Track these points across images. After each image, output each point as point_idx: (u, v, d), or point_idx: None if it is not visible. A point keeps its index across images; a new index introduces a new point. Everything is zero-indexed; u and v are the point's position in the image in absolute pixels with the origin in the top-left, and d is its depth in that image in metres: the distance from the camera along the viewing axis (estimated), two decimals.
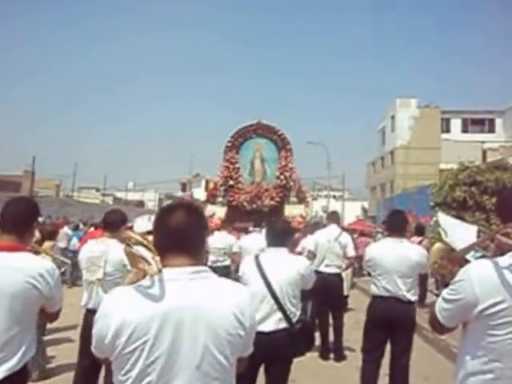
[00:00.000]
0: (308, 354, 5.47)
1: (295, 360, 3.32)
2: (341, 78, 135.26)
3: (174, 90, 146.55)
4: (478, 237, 2.12)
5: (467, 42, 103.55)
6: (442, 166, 31.15)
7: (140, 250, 1.52)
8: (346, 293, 7.57)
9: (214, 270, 6.46)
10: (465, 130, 34.31)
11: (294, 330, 3.18)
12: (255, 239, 6.98)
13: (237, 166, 13.64)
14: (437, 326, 1.78)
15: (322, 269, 5.95)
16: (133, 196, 48.05)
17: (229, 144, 13.72)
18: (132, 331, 1.32)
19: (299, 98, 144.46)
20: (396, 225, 4.20)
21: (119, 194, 47.01)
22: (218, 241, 7.74)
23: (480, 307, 1.56)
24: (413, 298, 4.00)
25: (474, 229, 2.16)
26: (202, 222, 1.60)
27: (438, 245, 1.79)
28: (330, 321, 6.11)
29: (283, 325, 3.17)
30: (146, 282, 1.44)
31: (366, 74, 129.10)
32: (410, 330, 4.05)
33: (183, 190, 19.99)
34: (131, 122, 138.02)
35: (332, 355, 5.88)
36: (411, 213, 12.77)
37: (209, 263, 7.50)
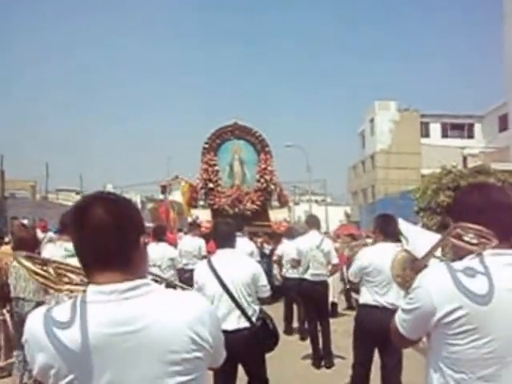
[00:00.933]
0: (301, 362, 5.86)
1: (289, 368, 4.05)
2: (320, 78, 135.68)
3: (148, 91, 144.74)
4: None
5: (446, 46, 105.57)
6: (423, 171, 31.56)
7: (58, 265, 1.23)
8: (332, 299, 7.48)
9: (185, 271, 6.51)
10: (444, 135, 34.75)
11: (255, 328, 3.37)
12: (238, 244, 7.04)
13: (216, 168, 13.52)
14: (399, 339, 1.66)
15: (308, 277, 5.91)
16: None
17: (206, 146, 13.58)
18: (57, 370, 1.08)
19: (276, 100, 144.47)
20: (392, 229, 3.92)
21: None
22: (187, 244, 8.13)
23: (438, 315, 1.44)
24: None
25: (437, 236, 1.90)
26: (133, 221, 1.23)
27: (400, 255, 1.54)
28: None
29: (245, 324, 3.34)
30: (65, 306, 1.15)
31: (346, 76, 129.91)
32: None
33: (163, 192, 19.77)
34: (106, 124, 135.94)
35: (323, 362, 5.84)
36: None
37: (180, 265, 7.56)
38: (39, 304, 3.90)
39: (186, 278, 7.69)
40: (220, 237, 3.65)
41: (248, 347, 3.31)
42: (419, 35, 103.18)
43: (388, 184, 31.36)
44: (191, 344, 1.14)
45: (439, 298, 1.43)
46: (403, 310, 1.59)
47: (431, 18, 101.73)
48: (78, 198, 43.47)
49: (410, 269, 1.73)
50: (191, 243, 8.10)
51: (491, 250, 1.44)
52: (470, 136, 34.18)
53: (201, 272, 3.49)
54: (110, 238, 1.15)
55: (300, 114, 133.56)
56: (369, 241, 6.04)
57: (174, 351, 1.12)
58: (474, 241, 1.43)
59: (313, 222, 6.33)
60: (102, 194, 1.26)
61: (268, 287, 3.62)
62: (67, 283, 1.20)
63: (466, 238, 1.45)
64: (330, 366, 5.74)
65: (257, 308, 3.46)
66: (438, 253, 1.65)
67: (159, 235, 6.33)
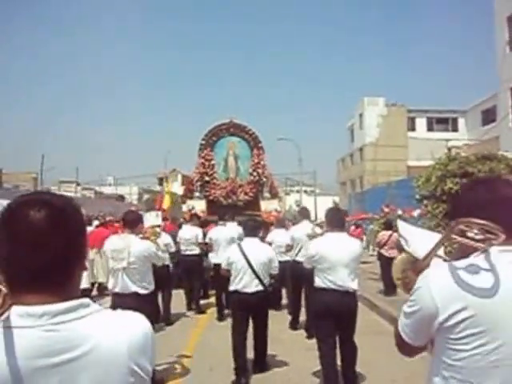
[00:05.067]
0: (281, 327, 6.80)
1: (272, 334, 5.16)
2: (311, 75, 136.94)
3: (149, 90, 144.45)
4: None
5: (433, 46, 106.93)
6: (410, 162, 32.77)
7: None
8: None
9: (185, 257, 7.95)
10: (430, 129, 35.86)
11: (267, 291, 4.97)
12: (222, 231, 8.27)
13: (212, 162, 14.18)
14: (403, 346, 1.51)
15: (299, 258, 6.83)
16: (107, 190, 47.86)
17: (203, 142, 14.29)
18: None
19: (271, 95, 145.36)
20: (337, 221, 4.54)
21: (97, 189, 46.88)
22: (186, 233, 8.80)
23: (440, 318, 1.31)
24: (355, 287, 4.34)
25: (437, 236, 1.76)
26: (69, 229, 1.03)
27: (400, 257, 1.90)
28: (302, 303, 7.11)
29: (260, 288, 4.89)
30: None
31: (335, 72, 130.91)
32: (354, 316, 4.42)
33: (161, 184, 20.39)
34: (108, 118, 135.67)
35: (302, 331, 6.77)
36: (389, 206, 13.31)
37: (181, 252, 8.62)
38: None
39: (186, 264, 8.67)
40: (248, 229, 5.30)
41: (261, 302, 4.94)
42: (407, 35, 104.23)
43: (376, 175, 32.51)
44: (129, 376, 0.99)
45: (442, 299, 1.31)
46: (404, 314, 1.46)
47: (418, 17, 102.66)
48: (79, 189, 43.98)
49: (411, 270, 1.57)
50: (190, 232, 8.72)
51: (498, 247, 1.31)
52: (454, 129, 35.20)
53: (233, 252, 5.07)
54: (44, 252, 0.97)
55: (292, 110, 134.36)
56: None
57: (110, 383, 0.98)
58: (479, 237, 1.31)
59: (305, 214, 7.73)
60: (41, 196, 1.05)
61: (277, 267, 5.15)
62: None
63: (470, 234, 1.34)
64: (311, 337, 6.11)
65: (268, 279, 4.99)
66: (441, 252, 1.51)
67: (129, 224, 4.69)
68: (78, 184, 39.76)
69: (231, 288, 5.02)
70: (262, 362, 5.16)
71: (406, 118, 35.65)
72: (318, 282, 4.42)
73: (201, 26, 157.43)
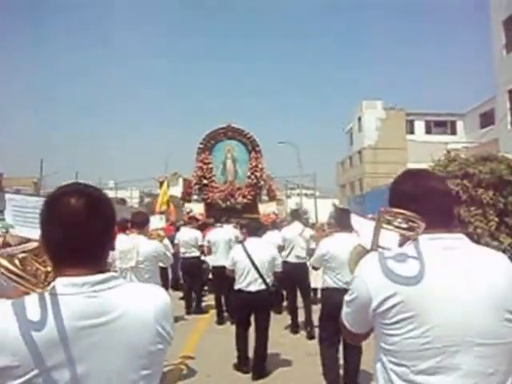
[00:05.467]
0: (282, 331, 6.86)
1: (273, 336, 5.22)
2: (311, 79, 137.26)
3: (150, 96, 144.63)
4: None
5: (431, 50, 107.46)
6: (409, 165, 32.74)
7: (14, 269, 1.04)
8: (314, 285, 7.99)
9: (184, 259, 8.08)
10: (428, 132, 35.88)
11: (270, 290, 5.08)
12: (220, 234, 8.31)
13: (210, 166, 14.24)
14: (347, 334, 1.59)
15: (290, 259, 7.06)
16: (108, 194, 47.42)
17: (201, 146, 14.36)
18: (16, 370, 1.01)
19: (270, 99, 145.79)
20: (346, 221, 4.18)
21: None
22: (185, 235, 8.88)
23: (373, 305, 1.38)
24: None
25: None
26: (104, 214, 1.21)
27: (355, 251, 1.81)
28: (300, 304, 7.15)
29: (263, 287, 5.04)
30: (30, 299, 1.07)
31: (334, 76, 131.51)
32: None
33: (161, 187, 20.37)
34: (109, 121, 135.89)
35: (303, 333, 6.81)
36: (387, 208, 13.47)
37: (180, 255, 8.72)
38: None
39: (186, 266, 8.74)
40: (251, 230, 5.58)
41: (263, 301, 5.07)
42: (405, 39, 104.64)
43: (375, 177, 32.52)
44: (157, 337, 1.16)
45: (373, 287, 1.38)
46: (345, 303, 1.54)
47: (416, 21, 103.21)
48: None
49: None
50: (189, 234, 8.83)
51: (427, 235, 1.39)
52: (453, 132, 35.24)
53: (237, 252, 5.27)
54: (84, 233, 1.14)
55: (293, 114, 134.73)
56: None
57: (142, 343, 1.13)
58: (404, 225, 1.39)
59: (296, 215, 8.02)
60: (76, 187, 1.21)
61: (281, 264, 5.34)
62: (33, 275, 1.09)
63: (395, 223, 1.41)
64: (310, 337, 6.56)
65: (272, 278, 5.16)
66: (393, 244, 1.55)
67: (137, 225, 4.84)
68: None
69: (235, 287, 5.18)
70: (262, 367, 5.17)
71: (404, 121, 35.63)
72: (328, 281, 4.51)
73: (202, 29, 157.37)
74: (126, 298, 1.15)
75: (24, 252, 1.15)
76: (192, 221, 9.68)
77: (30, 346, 1.01)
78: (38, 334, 1.03)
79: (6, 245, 3.22)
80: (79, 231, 1.14)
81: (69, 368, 1.04)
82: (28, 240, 1.29)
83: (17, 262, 1.07)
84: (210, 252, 8.37)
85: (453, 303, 1.32)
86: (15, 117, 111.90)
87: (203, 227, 10.43)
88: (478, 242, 1.45)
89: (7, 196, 3.98)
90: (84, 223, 1.14)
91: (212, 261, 8.18)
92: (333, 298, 4.27)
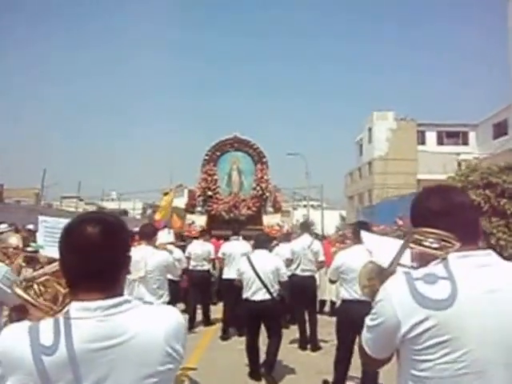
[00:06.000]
0: (289, 346, 6.73)
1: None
2: (321, 91, 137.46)
3: (154, 105, 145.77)
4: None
5: (443, 60, 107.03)
6: (420, 176, 32.29)
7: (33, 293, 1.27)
8: (321, 297, 7.88)
9: (195, 273, 8.36)
10: (440, 143, 35.38)
11: (274, 300, 5.32)
12: (235, 246, 8.08)
13: (215, 177, 14.15)
14: (367, 359, 1.49)
15: (299, 272, 6.92)
16: (111, 205, 47.61)
17: (206, 157, 14.28)
18: (34, 383, 1.10)
19: (279, 109, 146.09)
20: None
21: (100, 204, 46.80)
22: (197, 248, 8.67)
23: (403, 330, 1.29)
24: None
25: (399, 243, 1.76)
26: (119, 241, 1.27)
27: (366, 267, 1.69)
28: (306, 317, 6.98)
29: (267, 297, 5.27)
30: (47, 323, 1.17)
31: (345, 86, 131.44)
32: None
33: None
34: (112, 132, 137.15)
35: (309, 346, 6.74)
36: (403, 218, 12.75)
37: (190, 267, 8.48)
38: None
39: (196, 279, 8.45)
40: (258, 242, 5.81)
41: (269, 311, 5.30)
42: (417, 48, 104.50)
43: (385, 189, 32.07)
44: (166, 357, 1.20)
45: (402, 311, 1.29)
46: (367, 328, 1.44)
47: (428, 30, 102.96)
48: (81, 203, 43.98)
49: (377, 280, 1.54)
50: (201, 247, 8.66)
51: (457, 253, 1.32)
52: (465, 143, 34.77)
53: (243, 264, 5.54)
54: (98, 260, 1.20)
55: (301, 125, 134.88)
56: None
57: (151, 364, 1.18)
58: (435, 245, 1.33)
59: (305, 227, 7.90)
60: (93, 215, 1.30)
61: (286, 274, 5.59)
62: (54, 300, 1.25)
63: (425, 244, 1.35)
64: (315, 349, 6.61)
65: (276, 288, 5.38)
66: (407, 261, 1.50)
67: (145, 236, 4.84)
68: (81, 199, 39.77)
69: (243, 296, 5.44)
70: (270, 364, 5.44)
71: (415, 131, 35.16)
72: (344, 293, 4.59)
73: (209, 39, 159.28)
74: (137, 321, 1.20)
75: (47, 274, 1.31)
76: (204, 234, 9.51)
77: (43, 368, 1.08)
78: (50, 357, 1.09)
79: (36, 262, 3.66)
80: (93, 257, 1.19)
81: None
82: (56, 260, 1.36)
83: (36, 286, 1.26)
84: (221, 265, 8.22)
85: (490, 325, 1.25)
86: (16, 125, 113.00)
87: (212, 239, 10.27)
88: (500, 254, 1.50)
89: (40, 218, 4.25)
90: (97, 250, 1.20)
91: (226, 274, 8.00)
92: (349, 311, 4.37)
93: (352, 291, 4.41)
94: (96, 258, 1.20)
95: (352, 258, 4.42)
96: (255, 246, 5.83)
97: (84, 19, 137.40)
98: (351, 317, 4.24)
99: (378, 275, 1.56)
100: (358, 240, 4.53)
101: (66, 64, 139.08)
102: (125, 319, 1.19)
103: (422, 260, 1.42)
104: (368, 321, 1.43)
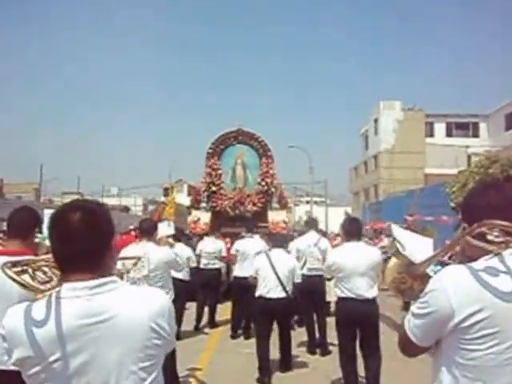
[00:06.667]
0: (297, 349, 6.57)
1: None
2: (323, 80, 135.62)
3: (153, 97, 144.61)
4: (434, 249, 1.90)
5: (452, 47, 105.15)
6: (428, 170, 31.49)
7: (27, 278, 1.42)
8: (329, 299, 7.82)
9: (206, 271, 7.47)
10: (449, 134, 34.55)
11: (289, 298, 5.36)
12: (250, 244, 7.95)
13: (219, 172, 13.70)
14: (409, 347, 1.54)
15: (305, 272, 6.48)
16: (111, 201, 47.31)
17: (210, 151, 13.79)
18: (32, 360, 1.24)
19: (281, 102, 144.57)
20: (354, 231, 4.67)
21: (100, 200, 46.35)
22: (208, 246, 8.65)
23: (456, 319, 1.34)
24: (374, 294, 4.42)
25: (429, 241, 1.99)
26: (100, 226, 1.37)
27: (393, 261, 1.82)
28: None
29: (283, 294, 5.29)
30: (41, 302, 1.31)
31: (349, 77, 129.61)
32: (376, 324, 4.51)
33: (166, 195, 19.89)
34: (111, 127, 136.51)
35: (318, 350, 6.51)
36: (414, 215, 12.63)
37: (201, 266, 8.42)
38: None
39: (206, 278, 8.32)
40: (276, 241, 5.93)
41: (284, 308, 5.33)
42: (425, 36, 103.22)
43: (392, 183, 31.30)
44: (151, 332, 1.31)
45: (458, 301, 1.34)
46: (414, 315, 1.47)
47: (437, 19, 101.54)
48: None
49: (406, 274, 1.64)
50: (213, 245, 8.60)
51: (509, 250, 1.37)
52: (475, 135, 33.93)
53: (261, 261, 5.51)
54: (84, 244, 1.31)
55: (303, 117, 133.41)
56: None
57: (136, 340, 1.29)
58: (499, 239, 1.36)
59: (311, 224, 7.43)
60: (78, 203, 1.41)
61: (300, 276, 5.60)
62: (45, 282, 1.42)
63: (489, 237, 1.37)
64: (324, 354, 6.34)
65: (291, 286, 5.40)
66: (430, 253, 1.56)
67: (145, 232, 4.75)
68: (82, 195, 39.74)
69: (256, 294, 5.40)
70: (287, 361, 5.63)
71: (423, 122, 34.31)
72: (338, 291, 4.57)
73: (210, 32, 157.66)
74: (122, 299, 1.31)
75: (46, 261, 1.49)
76: (215, 231, 9.36)
77: (35, 340, 1.22)
78: (40, 330, 1.23)
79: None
80: (77, 242, 1.30)
81: (71, 360, 1.24)
82: None
83: (30, 270, 1.45)
84: (232, 262, 8.13)
85: None
86: (15, 120, 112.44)
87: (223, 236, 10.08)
88: None
89: (45, 211, 4.26)
90: (80, 235, 1.30)
91: (236, 271, 7.88)
92: (344, 308, 4.46)
93: (344, 289, 4.46)
94: (79, 242, 1.30)
95: (343, 256, 4.51)
96: (272, 245, 5.89)
97: (66, 7, 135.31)
98: (346, 314, 4.42)
99: (406, 270, 1.70)
100: (348, 237, 4.64)
101: (66, 56, 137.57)
102: (110, 298, 1.30)
103: (464, 256, 1.50)
104: (416, 309, 1.47)
